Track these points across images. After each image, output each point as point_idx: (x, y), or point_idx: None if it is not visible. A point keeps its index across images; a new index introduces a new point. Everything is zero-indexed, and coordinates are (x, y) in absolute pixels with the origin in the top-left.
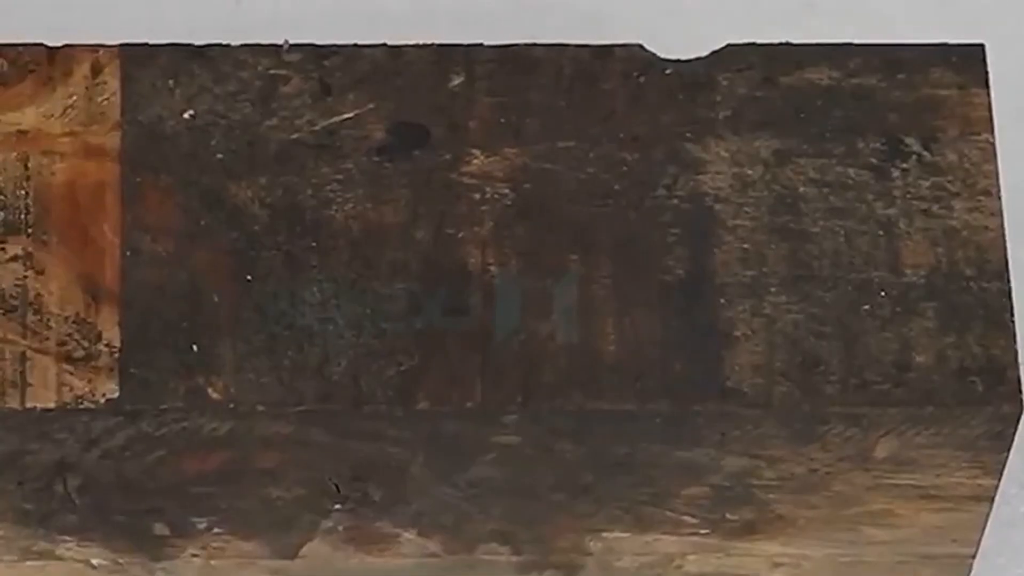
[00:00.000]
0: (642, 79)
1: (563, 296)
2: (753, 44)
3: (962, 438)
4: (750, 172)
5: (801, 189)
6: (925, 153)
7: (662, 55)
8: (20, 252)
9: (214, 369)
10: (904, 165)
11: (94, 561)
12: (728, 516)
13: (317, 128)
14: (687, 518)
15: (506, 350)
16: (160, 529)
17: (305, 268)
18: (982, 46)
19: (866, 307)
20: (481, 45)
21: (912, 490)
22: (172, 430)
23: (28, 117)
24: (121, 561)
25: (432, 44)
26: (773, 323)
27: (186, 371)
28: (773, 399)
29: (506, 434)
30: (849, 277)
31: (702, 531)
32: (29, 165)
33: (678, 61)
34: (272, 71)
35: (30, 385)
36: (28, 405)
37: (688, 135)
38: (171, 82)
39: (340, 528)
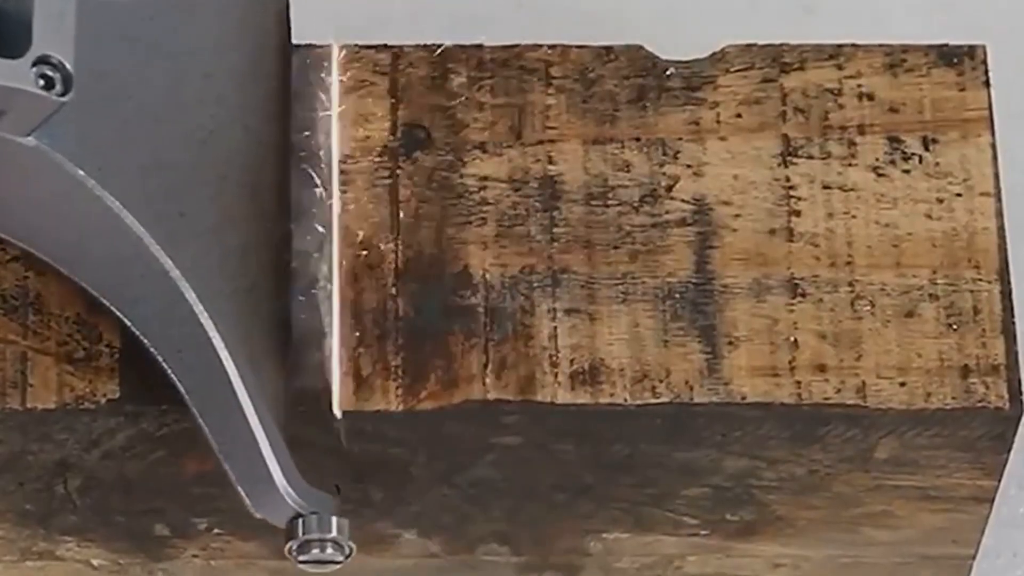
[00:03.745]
0: (643, 80)
1: (564, 296)
2: (754, 45)
3: (962, 439)
4: (751, 173)
5: (802, 190)
6: (926, 154)
7: (663, 56)
8: (21, 252)
9: None
10: (905, 166)
11: (94, 561)
12: (728, 517)
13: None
14: (687, 519)
15: (507, 350)
16: (160, 530)
17: (306, 268)
18: (983, 47)
19: (867, 308)
20: (481, 45)
21: (912, 491)
22: (173, 430)
23: None
24: (121, 562)
25: (432, 44)
26: (774, 324)
27: None
28: (774, 400)
29: (506, 434)
30: (850, 278)
31: (702, 532)
32: None
33: (679, 62)
34: None
35: (31, 385)
36: (29, 405)
37: (689, 136)
38: None
39: None
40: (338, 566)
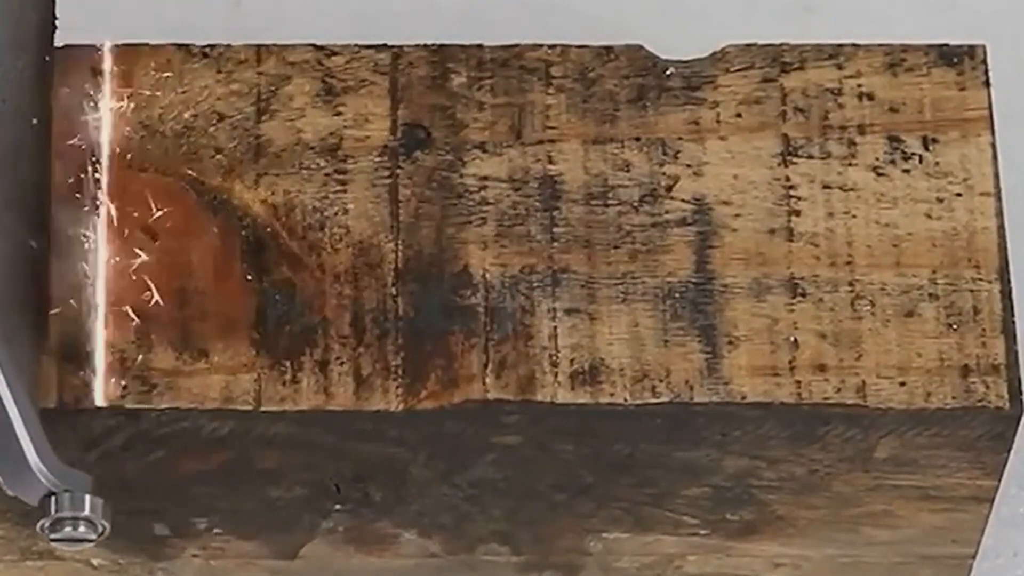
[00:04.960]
0: (643, 80)
1: (564, 296)
2: (754, 44)
3: (962, 439)
4: (751, 173)
5: (802, 190)
6: (926, 154)
7: (663, 56)
8: None
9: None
10: (905, 166)
11: (94, 561)
12: (728, 517)
13: (319, 128)
14: (687, 518)
15: (507, 350)
16: (160, 529)
17: (306, 268)
18: (983, 46)
19: (867, 308)
20: (481, 45)
21: (912, 491)
22: (172, 430)
23: None
24: (121, 561)
25: (432, 44)
26: (774, 324)
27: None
28: (774, 400)
29: (507, 434)
30: (850, 278)
31: (702, 531)
32: None
33: (679, 62)
34: (274, 71)
35: None
36: None
37: (689, 136)
38: (172, 81)
39: (340, 528)
40: (91, 544)
